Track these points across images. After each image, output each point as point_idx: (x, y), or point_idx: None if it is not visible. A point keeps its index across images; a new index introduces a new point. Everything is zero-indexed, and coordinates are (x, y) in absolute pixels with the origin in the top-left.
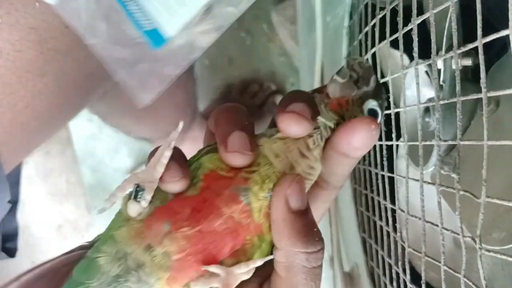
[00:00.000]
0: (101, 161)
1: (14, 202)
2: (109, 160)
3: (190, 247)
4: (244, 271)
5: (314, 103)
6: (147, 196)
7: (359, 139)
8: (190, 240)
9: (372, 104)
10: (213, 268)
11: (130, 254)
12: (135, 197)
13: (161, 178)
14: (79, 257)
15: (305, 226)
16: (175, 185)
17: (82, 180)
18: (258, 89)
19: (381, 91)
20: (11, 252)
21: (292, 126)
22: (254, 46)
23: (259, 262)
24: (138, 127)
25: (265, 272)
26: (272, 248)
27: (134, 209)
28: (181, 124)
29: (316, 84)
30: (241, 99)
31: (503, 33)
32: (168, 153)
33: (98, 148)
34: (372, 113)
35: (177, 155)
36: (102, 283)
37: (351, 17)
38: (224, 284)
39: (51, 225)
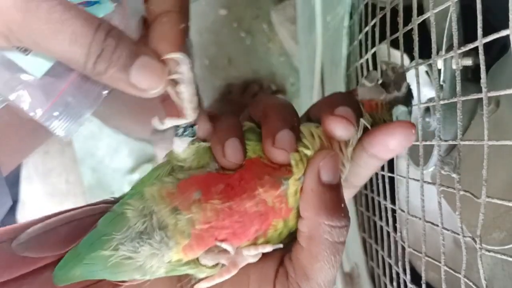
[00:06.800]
0: (101, 161)
1: (13, 202)
2: (109, 160)
3: (216, 221)
4: (252, 254)
5: (358, 107)
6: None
7: (396, 142)
8: (218, 213)
9: (401, 110)
10: (225, 245)
11: (156, 213)
12: (181, 134)
13: (224, 152)
14: (103, 210)
15: (332, 199)
16: (230, 165)
17: (81, 180)
18: (258, 89)
19: (411, 98)
20: None
21: (340, 130)
22: (254, 46)
23: (268, 248)
24: (138, 128)
25: (286, 247)
26: (288, 236)
27: (178, 144)
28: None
29: (316, 84)
30: (241, 99)
31: (503, 33)
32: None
33: (98, 148)
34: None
35: (242, 140)
36: (127, 237)
37: (351, 17)
38: (231, 263)
39: None
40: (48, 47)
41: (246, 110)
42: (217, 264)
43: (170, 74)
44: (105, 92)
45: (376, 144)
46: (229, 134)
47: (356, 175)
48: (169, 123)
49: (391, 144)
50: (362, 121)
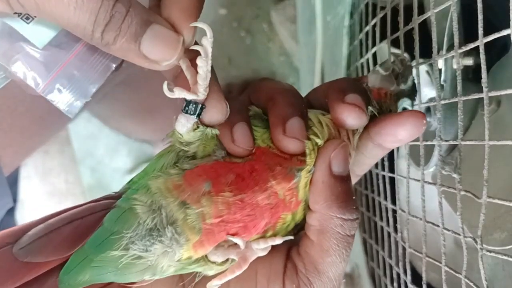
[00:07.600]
0: (100, 161)
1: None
2: (108, 160)
3: (227, 214)
4: (261, 247)
5: (367, 95)
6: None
7: (406, 132)
8: (229, 207)
9: (406, 103)
10: (236, 239)
11: (165, 208)
12: (184, 109)
13: (232, 137)
14: (106, 207)
15: (344, 192)
16: (240, 151)
17: (81, 180)
18: None
19: (415, 92)
20: None
21: (352, 119)
22: (254, 46)
23: (278, 241)
24: (139, 129)
25: (292, 241)
26: (294, 228)
27: (182, 123)
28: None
29: (317, 84)
30: None
31: (504, 32)
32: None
33: (97, 148)
34: None
35: (250, 125)
36: (137, 234)
37: (351, 17)
38: (242, 258)
39: None
40: (52, 12)
41: (244, 94)
42: (226, 260)
43: (184, 45)
44: (114, 64)
45: (384, 134)
46: (236, 118)
47: (359, 164)
48: (178, 93)
49: (400, 134)
50: (370, 109)
